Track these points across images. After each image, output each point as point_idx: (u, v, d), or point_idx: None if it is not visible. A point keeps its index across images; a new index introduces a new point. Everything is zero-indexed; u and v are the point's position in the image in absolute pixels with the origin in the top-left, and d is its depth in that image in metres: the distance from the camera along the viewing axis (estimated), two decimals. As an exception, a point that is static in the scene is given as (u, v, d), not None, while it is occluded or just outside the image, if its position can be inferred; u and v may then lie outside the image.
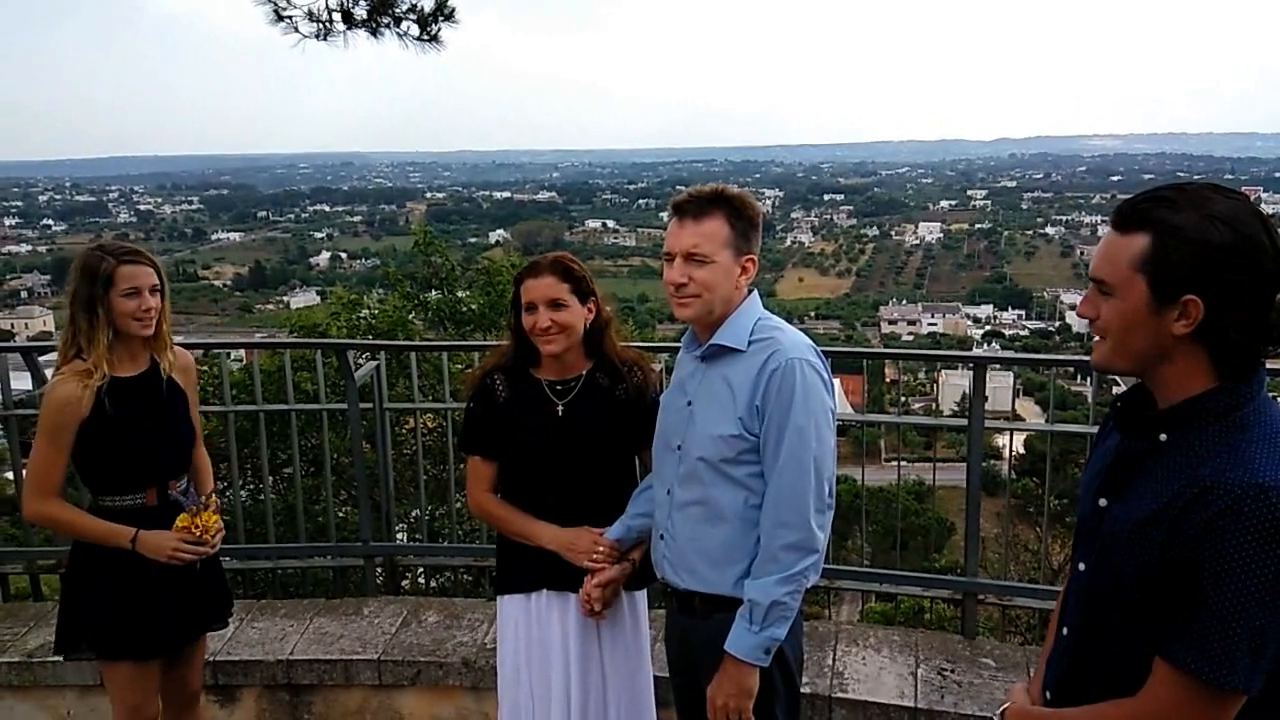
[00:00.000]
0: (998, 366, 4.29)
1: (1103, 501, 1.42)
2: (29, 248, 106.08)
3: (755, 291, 2.18)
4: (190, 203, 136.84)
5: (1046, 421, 3.75)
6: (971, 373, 3.56)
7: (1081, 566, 1.44)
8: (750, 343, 2.08)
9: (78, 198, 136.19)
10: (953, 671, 3.22)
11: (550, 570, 2.37)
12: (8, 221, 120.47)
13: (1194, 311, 1.28)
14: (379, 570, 4.10)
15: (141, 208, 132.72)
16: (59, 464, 2.46)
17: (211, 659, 3.45)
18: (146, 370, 2.58)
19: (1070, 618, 1.47)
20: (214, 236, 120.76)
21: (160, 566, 2.50)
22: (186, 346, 4.41)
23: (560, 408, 2.39)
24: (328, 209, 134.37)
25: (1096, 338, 1.40)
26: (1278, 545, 1.20)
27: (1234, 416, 1.30)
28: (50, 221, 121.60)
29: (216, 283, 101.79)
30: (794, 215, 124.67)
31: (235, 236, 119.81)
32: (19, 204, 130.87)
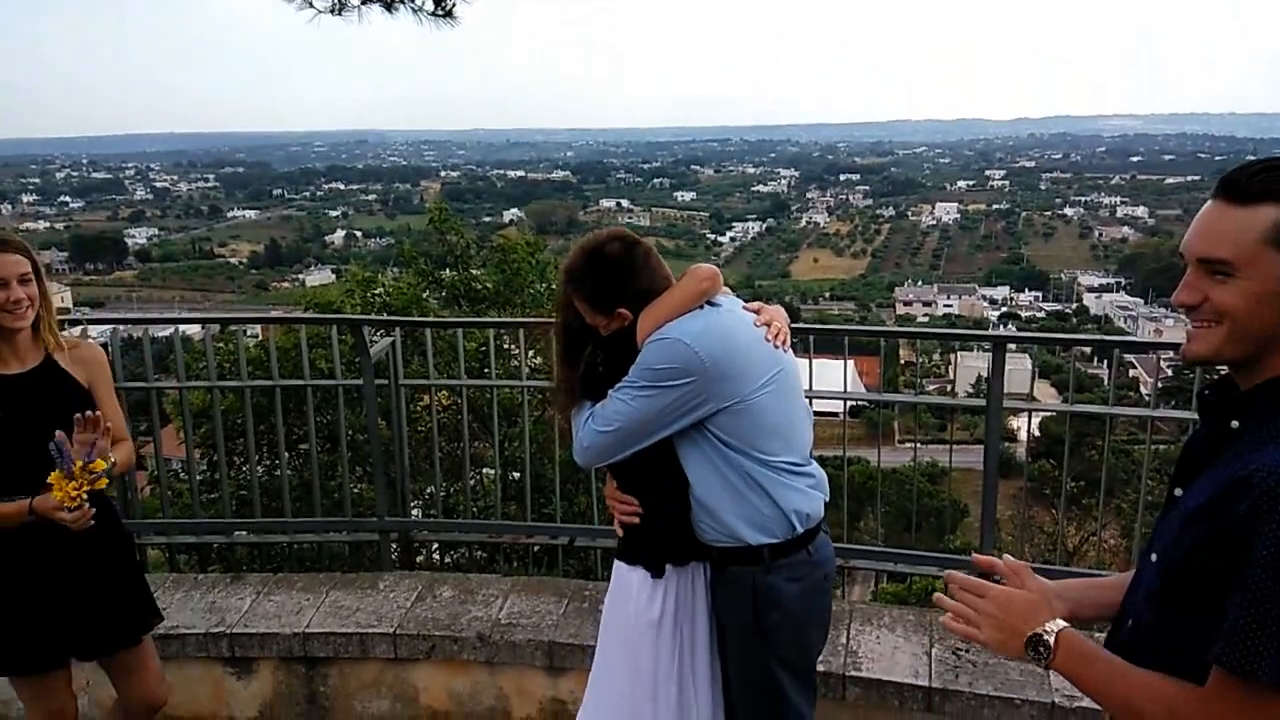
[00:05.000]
0: (1014, 347, 4.23)
1: (1178, 491, 1.33)
2: (47, 225, 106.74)
3: (700, 311, 2.15)
4: (206, 180, 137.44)
5: (1064, 403, 3.72)
6: (989, 354, 3.53)
7: (1153, 557, 1.34)
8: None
9: (94, 175, 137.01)
10: (967, 651, 3.21)
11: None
12: (26, 199, 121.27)
13: None
14: (394, 545, 4.12)
15: (158, 185, 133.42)
16: None
17: (229, 631, 3.49)
18: (38, 367, 2.45)
19: (1135, 610, 1.38)
20: (230, 214, 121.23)
21: (39, 574, 2.41)
22: (202, 321, 4.44)
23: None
24: (342, 187, 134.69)
25: (1196, 325, 1.28)
26: None
27: None
28: (68, 198, 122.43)
29: (232, 260, 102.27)
30: (809, 195, 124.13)
31: (251, 214, 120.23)
32: (37, 180, 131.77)
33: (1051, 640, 1.33)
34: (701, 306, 2.16)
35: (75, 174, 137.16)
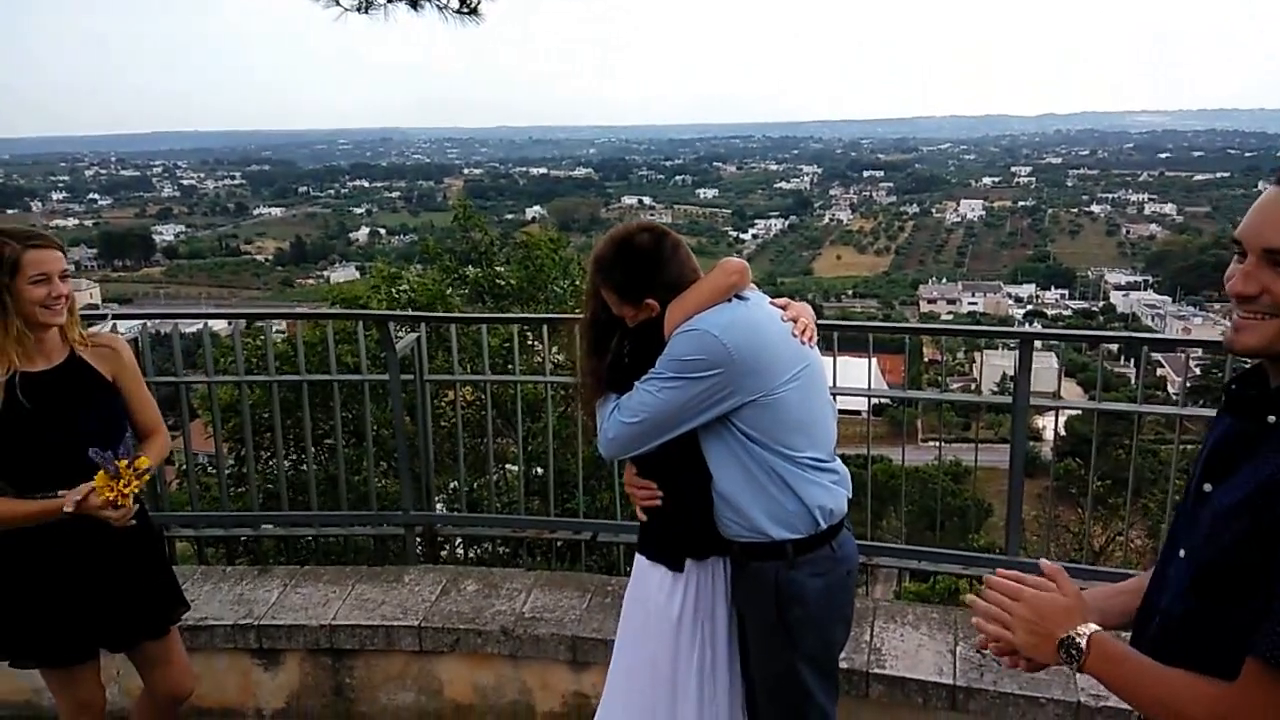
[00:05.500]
0: (1040, 345, 4.20)
1: (1207, 487, 1.30)
2: (76, 221, 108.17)
3: (728, 304, 2.16)
4: (232, 178, 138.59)
5: (1091, 401, 3.68)
6: (1015, 351, 3.50)
7: (1181, 554, 1.32)
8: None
9: (123, 172, 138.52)
10: (992, 650, 3.19)
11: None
12: (55, 196, 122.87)
13: None
14: (418, 539, 4.15)
15: (185, 183, 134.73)
16: None
17: (256, 623, 3.53)
18: (65, 362, 2.45)
19: (1163, 607, 1.36)
20: (255, 211, 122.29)
21: (69, 567, 2.42)
22: (230, 317, 4.49)
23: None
24: (367, 185, 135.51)
25: (1246, 316, 1.24)
26: None
27: None
28: (96, 196, 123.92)
29: (258, 257, 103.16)
30: (832, 192, 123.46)
31: (276, 212, 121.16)
32: (66, 178, 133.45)
33: (1084, 643, 1.32)
34: (730, 300, 2.16)
35: (104, 172, 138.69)
